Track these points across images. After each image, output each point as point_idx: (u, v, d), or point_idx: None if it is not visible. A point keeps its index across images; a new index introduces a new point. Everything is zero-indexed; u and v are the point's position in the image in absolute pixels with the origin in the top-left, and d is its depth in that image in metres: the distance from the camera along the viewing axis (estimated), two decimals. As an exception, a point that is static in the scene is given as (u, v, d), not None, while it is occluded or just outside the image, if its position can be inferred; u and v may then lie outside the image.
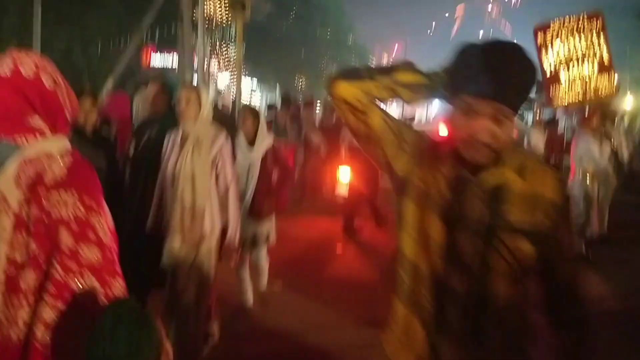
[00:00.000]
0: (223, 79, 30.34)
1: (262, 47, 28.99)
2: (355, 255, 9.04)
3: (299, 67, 32.35)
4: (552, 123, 14.14)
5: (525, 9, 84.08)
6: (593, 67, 11.37)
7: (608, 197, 9.37)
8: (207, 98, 4.77)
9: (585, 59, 11.44)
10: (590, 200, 9.02)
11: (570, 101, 11.73)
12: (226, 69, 29.71)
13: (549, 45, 11.68)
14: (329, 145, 12.06)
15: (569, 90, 11.60)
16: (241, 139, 5.93)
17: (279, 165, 5.98)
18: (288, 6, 31.54)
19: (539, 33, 11.79)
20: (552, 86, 11.74)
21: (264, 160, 5.88)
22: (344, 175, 11.60)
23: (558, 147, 13.27)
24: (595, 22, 11.46)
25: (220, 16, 26.25)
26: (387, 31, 67.72)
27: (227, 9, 20.82)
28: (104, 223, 1.86)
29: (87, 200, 1.82)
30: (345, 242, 9.68)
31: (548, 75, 11.89)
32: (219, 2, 26.37)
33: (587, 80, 11.44)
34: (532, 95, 15.03)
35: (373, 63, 44.05)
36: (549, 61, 11.67)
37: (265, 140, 5.92)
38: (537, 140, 13.68)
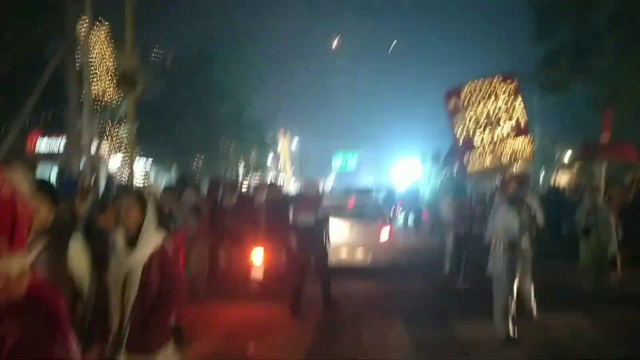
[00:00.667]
0: (115, 162, 29.05)
1: (157, 126, 28.01)
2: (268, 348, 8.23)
3: (196, 146, 31.32)
4: (462, 191, 13.89)
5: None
6: (509, 130, 11.26)
7: (528, 270, 8.90)
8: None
9: (501, 122, 11.32)
10: (515, 275, 8.40)
11: (487, 166, 11.50)
12: (118, 151, 28.54)
13: (462, 109, 11.51)
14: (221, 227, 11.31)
15: (484, 155, 11.40)
16: (118, 238, 4.39)
17: (167, 276, 4.32)
18: (183, 83, 30.66)
19: (451, 98, 11.61)
20: (467, 152, 11.50)
21: (147, 268, 4.27)
22: (258, 258, 11.00)
23: (468, 217, 12.98)
24: (509, 85, 11.41)
25: (109, 95, 25.32)
26: (282, 112, 67.82)
27: (117, 87, 19.97)
28: (70, 351, 1.69)
29: (49, 326, 1.62)
30: (256, 332, 8.84)
31: (461, 141, 11.66)
32: (108, 80, 25.46)
33: (504, 143, 11.28)
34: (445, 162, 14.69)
35: (269, 143, 43.61)
36: (462, 126, 11.48)
37: (152, 240, 4.37)
38: (447, 210, 13.37)
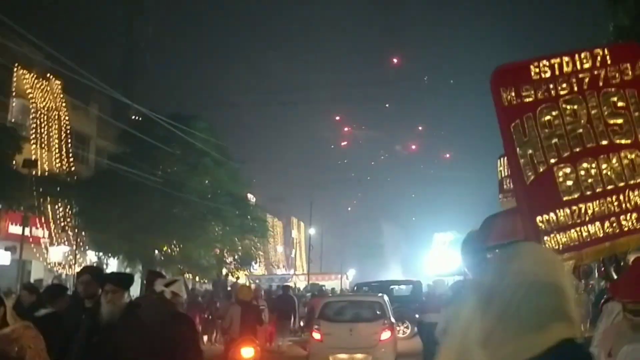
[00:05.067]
0: (56, 254, 23.62)
1: (109, 202, 22.73)
2: None
3: (171, 230, 25.20)
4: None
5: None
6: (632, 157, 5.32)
7: None
8: None
9: (623, 148, 5.36)
10: None
11: (589, 241, 5.48)
12: (59, 241, 23.50)
13: (532, 109, 5.52)
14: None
15: (585, 216, 5.32)
16: None
17: None
18: (151, 147, 25.14)
19: (505, 84, 5.61)
20: (536, 205, 5.40)
21: None
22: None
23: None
24: (629, 67, 5.53)
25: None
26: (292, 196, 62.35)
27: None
28: None
29: None
30: None
31: (528, 179, 5.52)
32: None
33: (633, 192, 5.28)
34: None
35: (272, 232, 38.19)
36: (532, 148, 5.46)
37: None
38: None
